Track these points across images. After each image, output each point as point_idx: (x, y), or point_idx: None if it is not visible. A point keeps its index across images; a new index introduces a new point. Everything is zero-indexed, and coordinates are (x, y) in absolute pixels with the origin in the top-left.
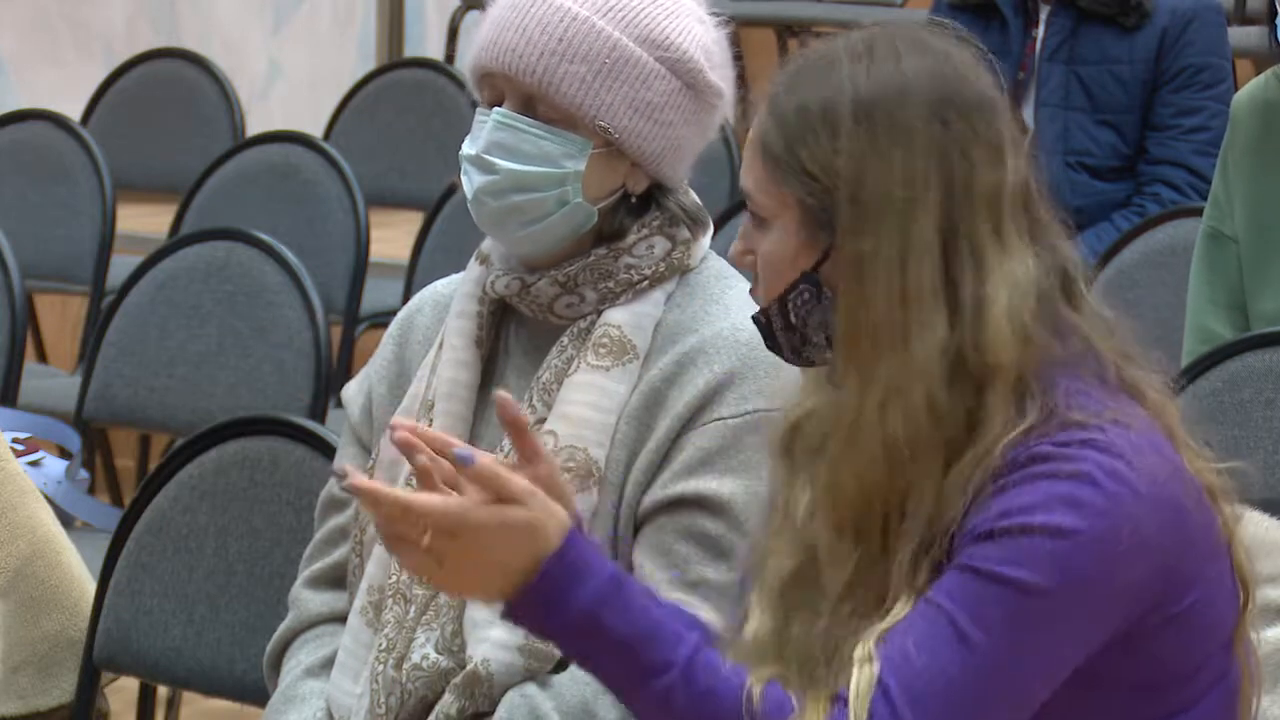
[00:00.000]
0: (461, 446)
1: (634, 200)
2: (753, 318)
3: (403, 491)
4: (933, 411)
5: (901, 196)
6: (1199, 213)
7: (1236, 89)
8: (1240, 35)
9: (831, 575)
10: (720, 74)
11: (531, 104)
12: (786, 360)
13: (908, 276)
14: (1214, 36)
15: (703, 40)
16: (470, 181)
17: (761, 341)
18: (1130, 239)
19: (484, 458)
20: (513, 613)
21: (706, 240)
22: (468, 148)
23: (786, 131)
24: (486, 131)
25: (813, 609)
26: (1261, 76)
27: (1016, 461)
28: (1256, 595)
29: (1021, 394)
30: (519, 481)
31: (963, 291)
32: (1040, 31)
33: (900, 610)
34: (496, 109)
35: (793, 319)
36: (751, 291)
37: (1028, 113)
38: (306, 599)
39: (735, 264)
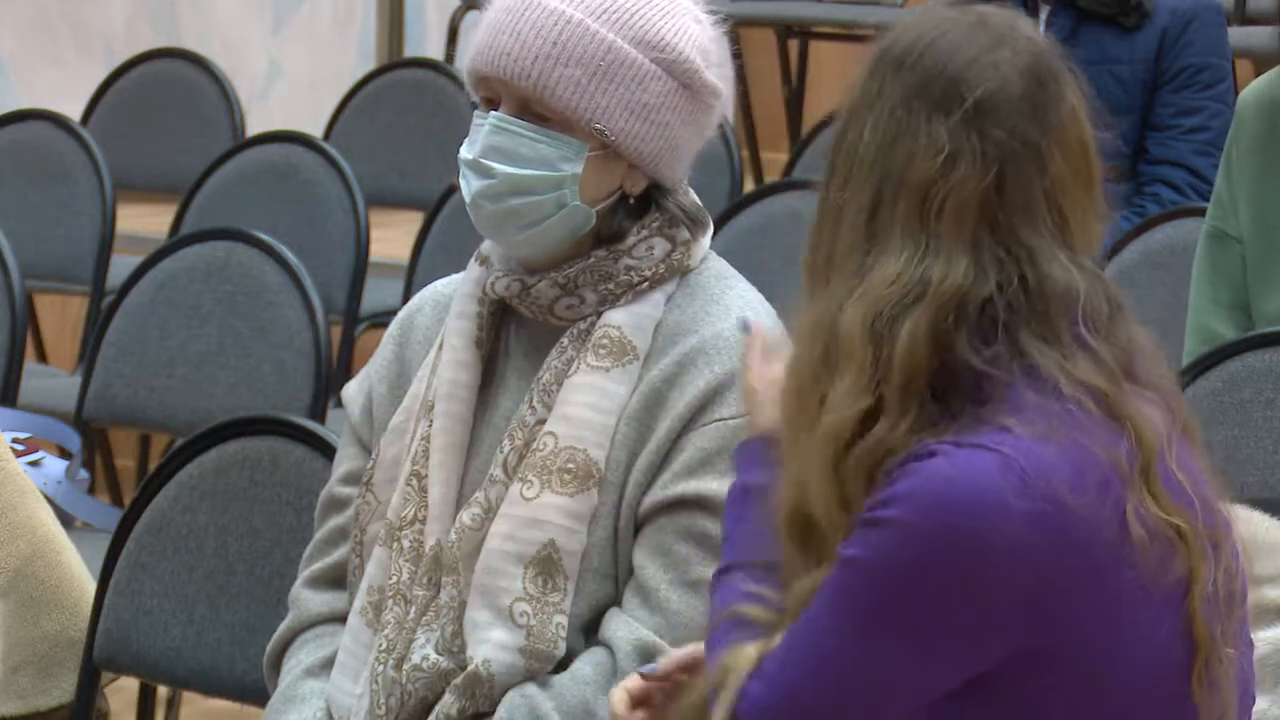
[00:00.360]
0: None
1: (632, 201)
2: None
3: None
4: (817, 381)
5: (860, 156)
6: (1199, 213)
7: (1236, 89)
8: (1240, 35)
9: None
10: (718, 73)
11: (527, 107)
12: None
13: (840, 232)
14: (1214, 36)
15: (699, 40)
16: (468, 185)
17: None
18: (1130, 239)
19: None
20: None
21: (706, 240)
22: (465, 152)
23: None
24: (483, 135)
25: None
26: (1268, 75)
27: (914, 453)
28: (1253, 599)
29: (908, 396)
30: None
31: (862, 267)
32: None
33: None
34: (493, 113)
35: None
36: None
37: None
38: (306, 599)
39: None
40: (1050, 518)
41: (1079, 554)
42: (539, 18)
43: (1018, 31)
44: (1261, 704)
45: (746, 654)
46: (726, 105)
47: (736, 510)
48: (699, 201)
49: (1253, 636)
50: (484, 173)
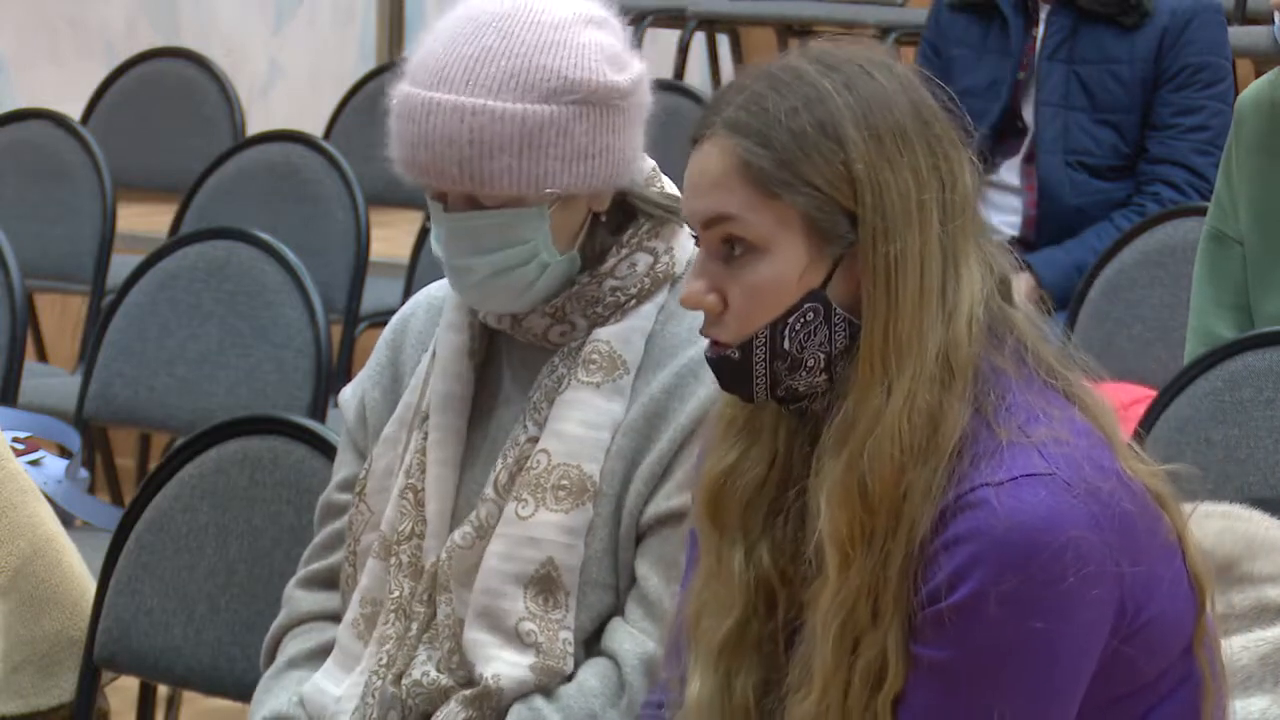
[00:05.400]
0: None
1: (604, 217)
2: (714, 358)
3: None
4: (933, 417)
5: (917, 198)
6: (1199, 212)
7: (1236, 89)
8: (1240, 35)
9: (824, 609)
10: (625, 68)
11: (474, 198)
12: (753, 398)
13: (926, 276)
14: (1214, 36)
15: (599, 48)
16: (452, 282)
17: None
18: (1130, 239)
19: None
20: None
21: (688, 240)
22: (437, 250)
23: (778, 149)
24: (445, 238)
25: (752, 667)
26: (1267, 76)
27: (959, 503)
28: (1254, 598)
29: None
30: None
31: (949, 290)
32: (1040, 31)
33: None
34: (445, 214)
35: (787, 345)
36: (707, 330)
37: (1028, 112)
38: (299, 598)
39: (690, 306)
40: (1105, 518)
41: (1130, 533)
42: (443, 122)
43: (864, 50)
44: (1262, 703)
45: None
46: (647, 80)
47: None
48: (672, 189)
49: (1254, 635)
50: (463, 272)
